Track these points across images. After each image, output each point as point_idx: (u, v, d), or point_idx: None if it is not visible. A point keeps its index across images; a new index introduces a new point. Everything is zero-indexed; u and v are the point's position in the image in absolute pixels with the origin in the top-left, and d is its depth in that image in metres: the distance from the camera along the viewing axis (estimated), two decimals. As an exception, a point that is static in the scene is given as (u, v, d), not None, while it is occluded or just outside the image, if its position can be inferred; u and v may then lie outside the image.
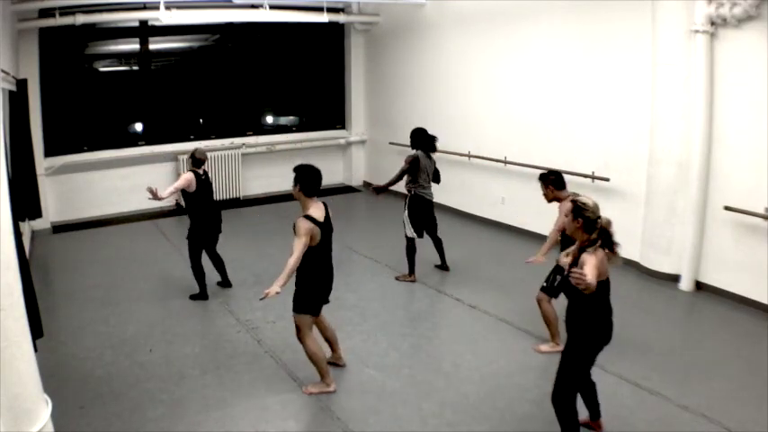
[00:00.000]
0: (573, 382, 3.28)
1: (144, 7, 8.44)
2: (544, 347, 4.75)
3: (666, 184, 5.99)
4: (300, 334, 4.08)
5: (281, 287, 3.76)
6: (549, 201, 4.70)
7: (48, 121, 8.46)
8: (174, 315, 5.67)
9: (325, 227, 4.02)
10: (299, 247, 3.80)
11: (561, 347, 4.06)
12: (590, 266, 2.97)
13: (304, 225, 3.85)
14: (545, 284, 4.68)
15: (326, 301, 4.24)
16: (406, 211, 6.26)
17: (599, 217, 3.18)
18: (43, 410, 2.40)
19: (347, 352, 4.77)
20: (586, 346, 3.24)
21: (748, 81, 5.29)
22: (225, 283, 6.17)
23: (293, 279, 3.96)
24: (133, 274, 6.63)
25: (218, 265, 6.08)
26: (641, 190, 6.28)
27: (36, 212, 7.37)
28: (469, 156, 8.43)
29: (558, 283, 4.44)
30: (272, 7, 8.54)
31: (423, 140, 6.34)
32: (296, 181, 4.06)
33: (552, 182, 4.62)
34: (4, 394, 2.18)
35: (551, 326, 4.71)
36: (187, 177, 5.67)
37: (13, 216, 2.68)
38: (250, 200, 9.93)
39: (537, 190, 6.47)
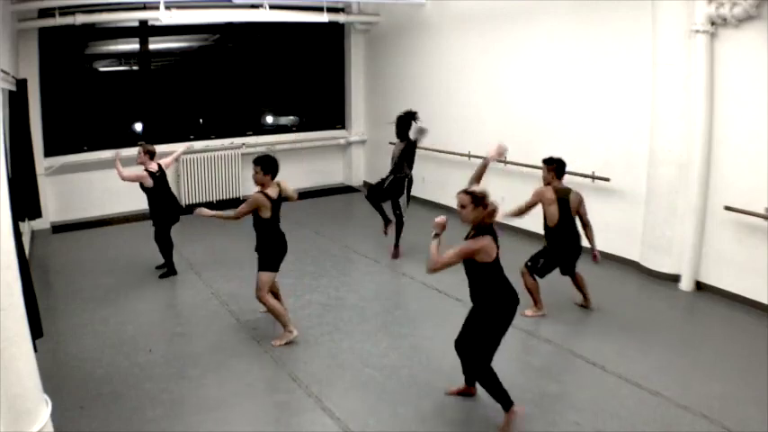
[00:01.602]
0: (485, 352, 3.64)
1: (144, 7, 8.44)
2: (529, 312, 5.25)
3: (666, 184, 6.00)
4: (261, 292, 4.81)
5: (209, 212, 4.88)
6: (546, 184, 5.22)
7: (48, 121, 8.46)
8: (174, 315, 5.67)
9: (277, 202, 4.80)
10: (242, 208, 4.79)
11: (543, 312, 5.29)
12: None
13: (254, 195, 4.76)
14: (529, 263, 5.25)
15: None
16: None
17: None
18: (43, 410, 2.40)
19: (347, 352, 4.78)
20: (491, 317, 3.63)
21: (748, 81, 5.30)
22: (163, 268, 6.50)
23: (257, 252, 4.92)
24: (133, 274, 6.63)
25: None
26: (641, 190, 6.28)
27: (36, 212, 7.38)
28: (469, 156, 8.43)
29: (541, 265, 5.22)
30: (272, 7, 8.54)
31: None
32: (261, 168, 4.80)
33: (555, 168, 5.17)
34: (4, 394, 2.17)
35: (534, 293, 5.26)
36: (140, 174, 6.23)
37: (13, 216, 2.67)
38: (250, 200, 9.92)
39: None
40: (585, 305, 5.46)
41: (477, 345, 3.65)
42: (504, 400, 3.62)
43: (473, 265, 3.57)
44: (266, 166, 4.77)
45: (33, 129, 7.62)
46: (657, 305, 5.64)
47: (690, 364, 4.54)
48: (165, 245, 6.45)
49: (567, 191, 5.18)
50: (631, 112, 6.38)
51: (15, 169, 5.65)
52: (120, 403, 4.06)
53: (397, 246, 6.98)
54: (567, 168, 6.85)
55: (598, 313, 5.42)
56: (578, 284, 5.41)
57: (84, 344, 4.97)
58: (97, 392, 4.20)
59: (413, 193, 7.07)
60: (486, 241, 3.49)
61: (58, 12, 7.81)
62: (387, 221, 7.11)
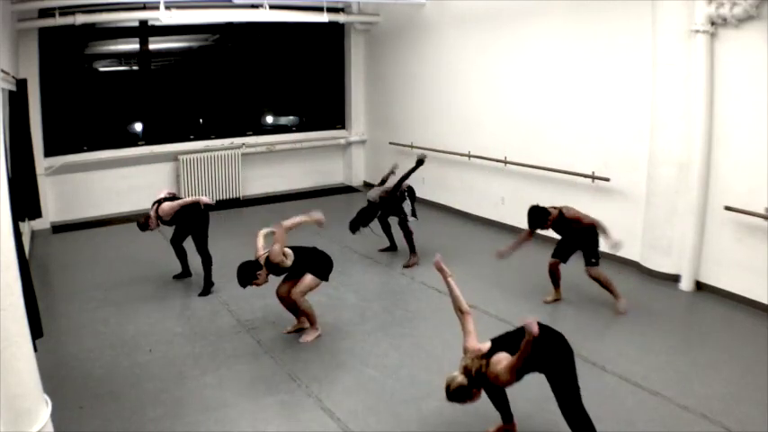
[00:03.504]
0: (576, 396, 3.34)
1: (144, 7, 8.44)
2: (621, 308, 5.31)
3: (666, 185, 5.99)
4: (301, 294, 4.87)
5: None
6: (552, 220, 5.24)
7: (48, 121, 8.45)
8: (174, 315, 5.67)
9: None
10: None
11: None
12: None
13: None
14: (593, 261, 5.26)
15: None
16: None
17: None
18: (43, 410, 2.40)
19: (347, 352, 4.78)
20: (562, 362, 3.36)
21: (748, 81, 5.29)
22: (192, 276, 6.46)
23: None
24: (133, 274, 6.63)
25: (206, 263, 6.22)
26: (641, 190, 6.28)
27: (36, 212, 7.37)
28: (469, 156, 8.43)
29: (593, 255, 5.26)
30: (272, 7, 8.54)
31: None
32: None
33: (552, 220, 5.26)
34: (4, 394, 2.17)
35: (609, 286, 5.33)
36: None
37: (13, 216, 2.67)
38: (250, 200, 9.92)
39: (537, 190, 6.45)
40: (557, 298, 5.62)
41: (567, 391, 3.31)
42: None
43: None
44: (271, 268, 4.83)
45: (33, 129, 7.61)
46: (657, 305, 5.63)
47: (690, 364, 4.54)
48: (182, 250, 6.38)
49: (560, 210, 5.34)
50: (631, 112, 6.37)
51: (15, 169, 5.65)
52: (120, 403, 4.06)
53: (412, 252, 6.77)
54: (567, 168, 6.93)
55: (598, 313, 5.42)
56: (556, 274, 5.51)
57: (84, 344, 4.97)
58: (97, 392, 4.20)
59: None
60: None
61: (58, 12, 7.80)
62: (393, 246, 7.18)
